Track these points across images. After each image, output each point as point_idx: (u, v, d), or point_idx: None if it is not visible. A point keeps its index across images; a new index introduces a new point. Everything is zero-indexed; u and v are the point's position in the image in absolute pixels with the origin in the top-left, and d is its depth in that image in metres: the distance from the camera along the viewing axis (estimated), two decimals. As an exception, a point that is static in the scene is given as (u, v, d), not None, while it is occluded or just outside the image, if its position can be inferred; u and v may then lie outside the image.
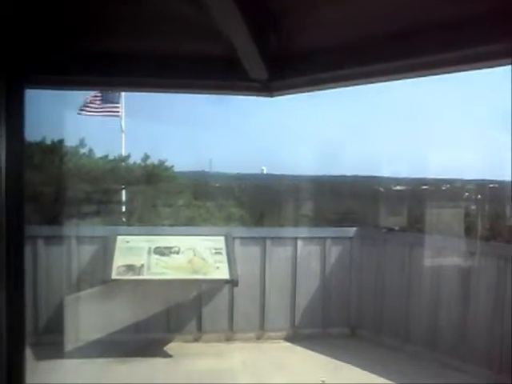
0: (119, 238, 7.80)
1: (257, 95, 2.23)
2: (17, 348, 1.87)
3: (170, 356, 7.53)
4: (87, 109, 12.47)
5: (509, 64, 1.56)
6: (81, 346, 7.01)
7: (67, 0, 1.79)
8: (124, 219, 11.76)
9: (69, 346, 6.93)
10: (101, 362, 6.95)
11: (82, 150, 11.48)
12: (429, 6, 1.59)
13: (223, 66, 2.05)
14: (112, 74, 2.09)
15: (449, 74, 1.77)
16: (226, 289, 8.14)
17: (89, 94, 12.24)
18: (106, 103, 12.73)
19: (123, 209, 12.01)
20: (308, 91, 2.26)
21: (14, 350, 1.85)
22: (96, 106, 12.62)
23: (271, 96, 2.20)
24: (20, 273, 1.85)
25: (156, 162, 11.99)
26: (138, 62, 2.04)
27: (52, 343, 6.98)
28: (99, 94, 12.39)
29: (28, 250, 7.49)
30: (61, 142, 10.73)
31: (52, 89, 2.32)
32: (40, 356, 6.93)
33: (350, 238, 8.67)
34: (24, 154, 1.79)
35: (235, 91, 2.28)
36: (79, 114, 12.23)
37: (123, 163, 12.17)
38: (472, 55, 1.54)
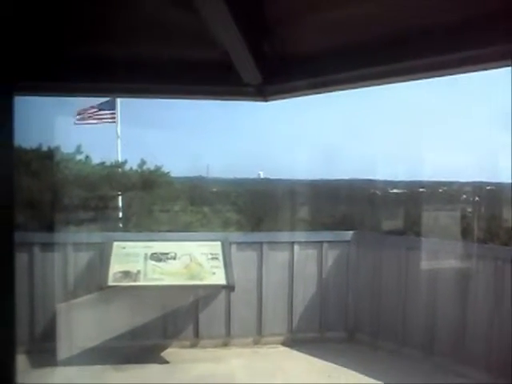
0: (115, 244, 7.78)
1: (251, 100, 2.23)
2: (7, 356, 1.85)
3: (167, 362, 7.51)
4: (82, 116, 12.48)
5: (508, 66, 1.55)
6: (77, 353, 6.97)
7: (57, 5, 1.77)
8: (121, 225, 11.73)
9: (65, 353, 6.90)
10: (97, 369, 6.91)
11: (79, 157, 11.49)
12: (426, 9, 1.59)
13: (217, 71, 2.04)
14: (105, 80, 2.08)
15: (448, 76, 1.76)
16: (222, 294, 8.12)
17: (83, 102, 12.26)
18: (102, 110, 12.74)
19: (120, 215, 11.99)
20: (303, 95, 2.26)
21: (4, 358, 1.84)
22: (91, 113, 12.63)
23: (266, 101, 2.19)
24: (10, 279, 1.84)
25: (152, 167, 12.00)
26: (131, 68, 2.03)
27: (48, 350, 6.94)
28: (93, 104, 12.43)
29: (24, 257, 7.48)
30: (57, 148, 10.72)
31: (43, 95, 2.31)
32: (36, 364, 6.92)
33: (347, 241, 8.66)
34: (13, 161, 1.78)
35: (229, 96, 2.28)
36: (76, 123, 12.27)
37: (119, 169, 12.16)
38: (471, 57, 1.54)
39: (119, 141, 13.42)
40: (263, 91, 2.13)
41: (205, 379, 6.87)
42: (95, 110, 12.62)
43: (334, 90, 2.13)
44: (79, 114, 12.44)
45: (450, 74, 1.73)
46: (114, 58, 1.99)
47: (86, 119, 12.55)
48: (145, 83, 2.12)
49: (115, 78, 2.07)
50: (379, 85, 1.99)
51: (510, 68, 1.58)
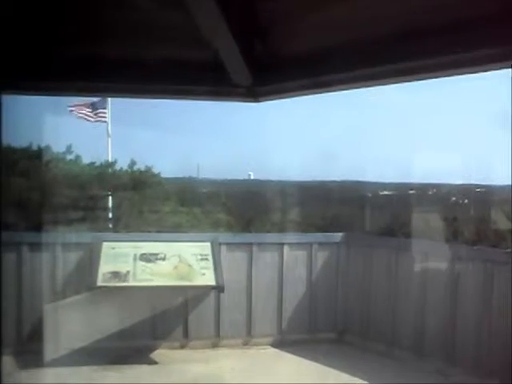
0: (105, 244, 7.74)
1: (242, 101, 2.22)
2: None
3: (156, 363, 7.49)
4: (75, 112, 12.46)
5: (507, 68, 1.55)
6: (65, 354, 6.93)
7: (46, 5, 1.76)
8: (110, 225, 11.68)
9: (53, 354, 6.85)
10: (86, 370, 6.88)
11: (69, 156, 11.43)
12: (424, 9, 1.58)
13: (207, 71, 2.03)
14: (96, 80, 2.07)
15: (445, 77, 1.75)
16: (212, 295, 8.10)
17: (73, 101, 12.24)
18: (93, 109, 12.71)
19: (109, 215, 11.94)
20: (294, 96, 2.25)
21: None
22: (83, 111, 12.59)
23: (257, 101, 2.18)
24: None
25: (143, 167, 11.96)
26: (122, 68, 2.02)
27: (36, 352, 6.89)
28: (86, 100, 12.39)
29: (13, 257, 7.42)
30: (47, 147, 10.66)
31: (33, 95, 2.29)
32: (24, 365, 6.87)
33: (337, 243, 8.67)
34: (1, 161, 1.76)
35: (220, 97, 2.27)
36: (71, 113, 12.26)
37: (109, 169, 12.11)
38: (470, 59, 1.53)
39: (110, 140, 13.39)
40: (254, 92, 2.12)
41: (194, 380, 6.85)
42: (87, 107, 12.59)
43: (327, 92, 2.12)
44: (72, 107, 12.42)
45: (447, 76, 1.72)
46: (104, 57, 1.98)
47: (79, 114, 12.54)
48: (135, 83, 2.11)
49: (106, 78, 2.06)
50: (372, 86, 1.98)
51: (505, 70, 1.58)
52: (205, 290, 7.96)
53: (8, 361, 6.58)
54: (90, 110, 12.72)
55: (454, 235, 9.76)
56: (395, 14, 1.64)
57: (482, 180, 11.58)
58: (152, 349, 7.80)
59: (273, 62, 2.00)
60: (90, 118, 12.75)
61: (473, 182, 12.38)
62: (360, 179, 13.99)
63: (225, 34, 1.64)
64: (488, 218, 10.81)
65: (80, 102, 12.51)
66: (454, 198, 13.42)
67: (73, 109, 12.46)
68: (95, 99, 12.46)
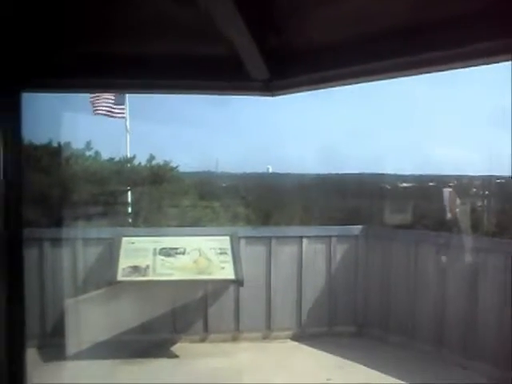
0: (125, 239, 7.81)
1: (258, 95, 2.21)
2: (17, 350, 1.87)
3: (177, 356, 7.54)
4: (96, 109, 12.53)
5: (509, 60, 1.54)
6: (88, 348, 7.01)
7: (60, 3, 1.77)
8: (130, 220, 11.77)
9: (76, 347, 6.94)
10: (107, 363, 6.95)
11: (88, 153, 11.52)
12: (429, 3, 1.58)
13: (223, 66, 2.03)
14: (112, 77, 2.08)
15: (450, 70, 1.75)
16: (231, 289, 8.13)
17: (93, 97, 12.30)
18: (113, 104, 12.77)
19: (129, 210, 12.03)
20: (310, 90, 2.24)
21: (14, 353, 1.85)
22: (104, 107, 12.65)
23: (272, 95, 2.18)
24: (19, 276, 1.85)
25: (161, 162, 12.01)
26: (138, 64, 2.03)
27: (59, 345, 6.97)
28: (110, 96, 12.45)
29: (35, 253, 7.52)
30: (67, 144, 10.75)
31: (50, 92, 2.31)
32: (48, 358, 6.97)
33: (356, 236, 8.64)
34: (21, 158, 1.79)
35: (236, 91, 2.27)
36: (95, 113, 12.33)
37: (129, 164, 12.19)
38: (472, 52, 1.53)
39: (128, 136, 13.46)
40: (270, 86, 2.12)
41: (214, 373, 6.88)
42: (108, 101, 12.63)
43: (342, 85, 2.12)
44: (93, 103, 12.47)
45: (452, 69, 1.72)
46: (121, 54, 1.99)
47: (100, 111, 12.59)
48: (151, 79, 2.12)
49: (122, 74, 2.07)
50: (387, 79, 1.97)
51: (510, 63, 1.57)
52: (224, 283, 7.99)
53: (32, 354, 6.69)
54: (112, 105, 12.71)
55: (474, 227, 9.67)
56: (403, 7, 1.63)
57: (502, 171, 11.44)
58: (172, 342, 7.85)
59: (288, 56, 2.00)
60: (114, 114, 12.76)
61: (493, 173, 12.25)
62: (379, 171, 13.89)
63: (240, 28, 1.64)
64: (509, 209, 10.69)
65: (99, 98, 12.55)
66: (474, 190, 13.29)
67: (96, 106, 12.51)
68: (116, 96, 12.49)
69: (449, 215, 9.58)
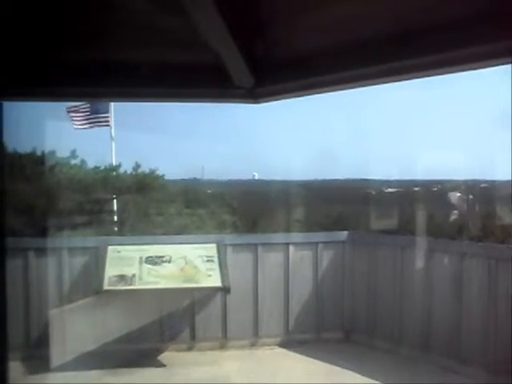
0: (110, 248, 7.76)
1: (242, 102, 2.21)
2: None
3: (164, 366, 7.49)
4: (76, 120, 12.40)
5: (508, 63, 1.54)
6: (73, 358, 6.93)
7: (44, 11, 1.76)
8: (115, 229, 11.69)
9: (61, 358, 6.86)
10: (93, 374, 6.88)
11: (73, 161, 11.44)
12: (425, 5, 1.58)
13: (208, 74, 2.02)
14: (96, 85, 2.06)
15: (446, 74, 1.74)
16: (218, 296, 8.10)
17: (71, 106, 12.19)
18: (95, 113, 12.67)
19: (115, 218, 11.95)
20: (295, 97, 2.24)
21: None
22: (85, 116, 12.55)
23: (257, 103, 2.18)
24: (1, 285, 1.82)
25: (147, 170, 11.96)
26: (122, 72, 2.02)
27: (44, 356, 6.90)
28: (86, 105, 12.34)
29: (19, 263, 7.45)
30: (51, 152, 10.68)
31: (32, 101, 2.29)
32: (32, 370, 6.89)
33: (342, 241, 8.66)
34: (4, 166, 1.76)
35: (220, 99, 2.26)
36: (75, 128, 12.18)
37: (114, 173, 12.12)
38: (471, 55, 1.52)
39: (113, 144, 13.39)
40: (254, 93, 2.11)
41: (201, 382, 6.84)
42: (87, 111, 12.50)
43: (328, 91, 2.11)
44: (71, 113, 12.31)
45: (449, 73, 1.71)
46: (104, 62, 1.98)
47: (80, 123, 12.45)
48: (136, 87, 2.11)
49: (106, 83, 2.05)
50: (373, 85, 1.97)
51: (505, 66, 1.57)
52: (211, 291, 7.97)
53: (16, 366, 6.60)
54: (86, 115, 12.55)
55: (458, 231, 9.72)
56: (396, 12, 1.63)
57: (487, 175, 11.53)
58: (159, 351, 7.81)
59: (273, 63, 2.00)
60: (84, 125, 12.52)
61: (477, 177, 12.34)
62: (364, 177, 13.95)
63: (224, 36, 1.64)
64: (493, 213, 10.76)
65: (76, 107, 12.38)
66: (458, 194, 13.36)
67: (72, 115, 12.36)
68: (94, 104, 12.35)
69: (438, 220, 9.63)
